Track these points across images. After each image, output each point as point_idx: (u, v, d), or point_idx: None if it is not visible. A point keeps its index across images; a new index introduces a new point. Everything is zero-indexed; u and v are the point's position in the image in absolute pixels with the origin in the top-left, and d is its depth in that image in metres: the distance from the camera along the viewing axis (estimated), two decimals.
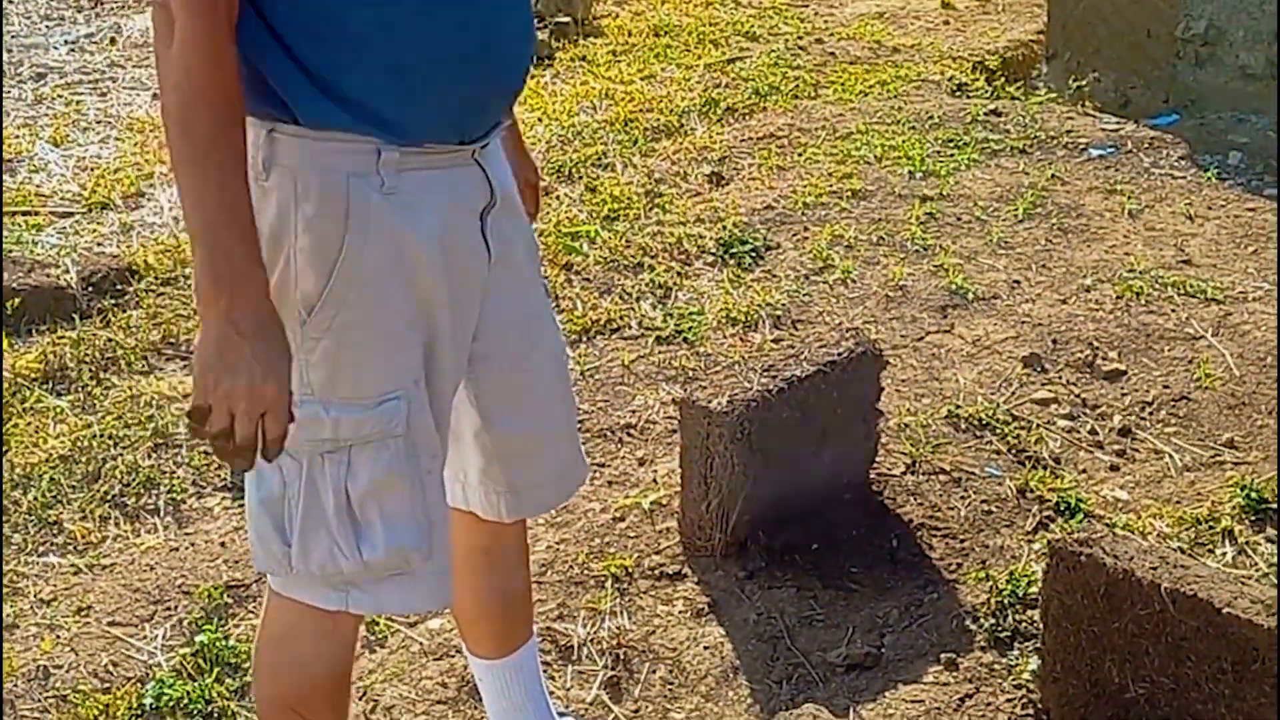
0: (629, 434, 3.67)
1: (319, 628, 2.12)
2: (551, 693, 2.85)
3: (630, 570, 3.21)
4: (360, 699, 2.88)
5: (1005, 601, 3.07)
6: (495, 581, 2.46)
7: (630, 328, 4.14)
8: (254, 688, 2.27)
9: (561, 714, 2.64)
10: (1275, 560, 3.18)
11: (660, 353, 4.00)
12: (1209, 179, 4.87)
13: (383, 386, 2.01)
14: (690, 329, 4.10)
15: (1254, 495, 3.33)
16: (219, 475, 3.53)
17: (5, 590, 3.14)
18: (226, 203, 1.83)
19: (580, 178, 5.07)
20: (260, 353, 1.83)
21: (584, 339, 4.09)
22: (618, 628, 3.05)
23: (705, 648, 3.00)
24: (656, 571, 3.21)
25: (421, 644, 3.02)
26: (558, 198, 4.95)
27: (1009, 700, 2.86)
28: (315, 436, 1.99)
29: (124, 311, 4.22)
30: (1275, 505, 3.33)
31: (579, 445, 2.41)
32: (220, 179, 1.82)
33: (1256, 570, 3.14)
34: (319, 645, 2.14)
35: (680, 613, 3.10)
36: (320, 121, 1.92)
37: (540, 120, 5.63)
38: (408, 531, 2.03)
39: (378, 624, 3.06)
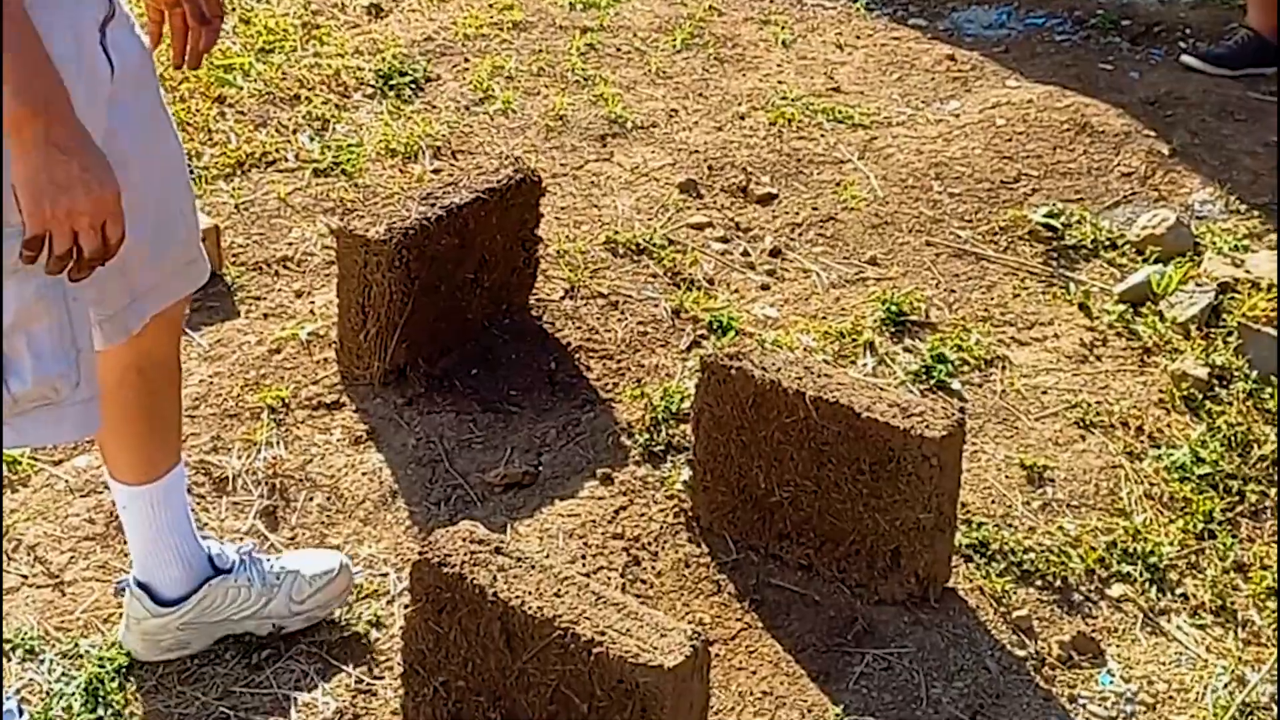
0: (285, 267, 3.61)
1: None
2: (206, 524, 2.82)
3: (287, 401, 3.17)
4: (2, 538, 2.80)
5: (659, 417, 3.15)
6: (145, 401, 2.42)
7: (287, 160, 4.04)
8: None
9: (205, 537, 2.61)
10: (913, 368, 3.33)
11: (318, 185, 3.93)
12: (858, 10, 4.99)
13: None
14: (349, 161, 4.03)
15: (893, 309, 3.48)
16: None
17: None
18: (19, 25, 1.80)
19: (233, 9, 4.88)
20: (90, 164, 1.83)
21: (239, 172, 3.98)
22: (274, 458, 3.02)
23: (363, 474, 3.00)
24: (314, 401, 3.18)
25: (67, 481, 2.94)
26: None
27: (661, 510, 2.95)
28: None
29: None
30: (914, 318, 3.50)
31: (202, 249, 2.38)
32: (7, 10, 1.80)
33: (895, 378, 3.29)
34: None
35: (338, 441, 3.09)
36: None
37: None
38: (55, 360, 1.99)
39: (19, 463, 2.96)
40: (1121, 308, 3.55)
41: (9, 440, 2.04)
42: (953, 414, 2.72)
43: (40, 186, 1.82)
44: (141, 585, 2.54)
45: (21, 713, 2.34)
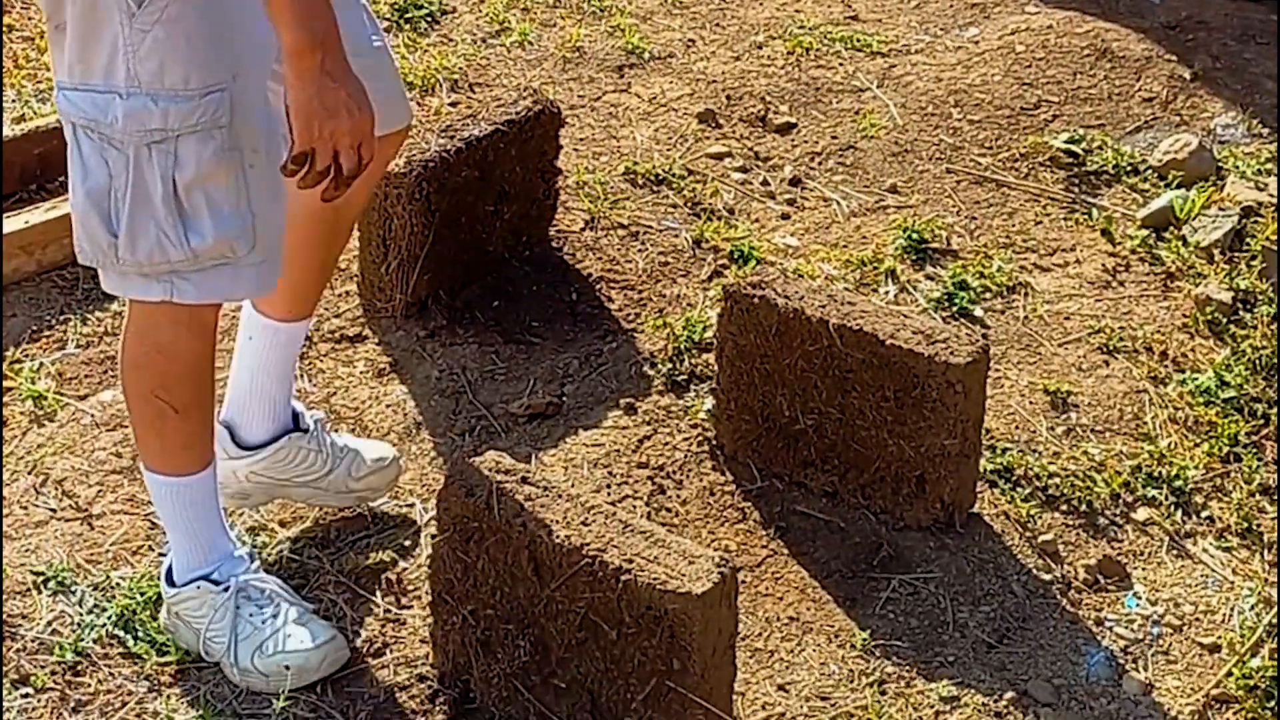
0: None
1: (176, 318, 2.24)
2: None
3: (309, 335, 3.17)
4: (29, 473, 2.81)
5: (682, 347, 3.15)
6: (325, 240, 2.54)
7: None
8: (121, 380, 2.38)
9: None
10: (935, 295, 3.33)
11: None
12: None
13: (207, 79, 2.11)
14: None
15: (914, 236, 3.47)
16: None
17: None
18: None
19: None
20: (353, 92, 2.07)
21: None
22: (298, 390, 3.01)
23: (387, 406, 3.01)
24: (336, 334, 3.19)
25: (93, 416, 2.95)
26: None
27: (685, 439, 2.96)
28: (144, 127, 2.10)
29: None
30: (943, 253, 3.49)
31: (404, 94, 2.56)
32: None
33: (917, 306, 3.28)
34: (175, 333, 2.26)
35: (361, 373, 3.10)
36: None
37: None
38: (233, 221, 2.15)
39: (45, 398, 2.97)
40: (1144, 233, 3.54)
41: (187, 295, 2.19)
42: (977, 340, 2.72)
43: (312, 110, 2.05)
44: (226, 426, 2.63)
45: None
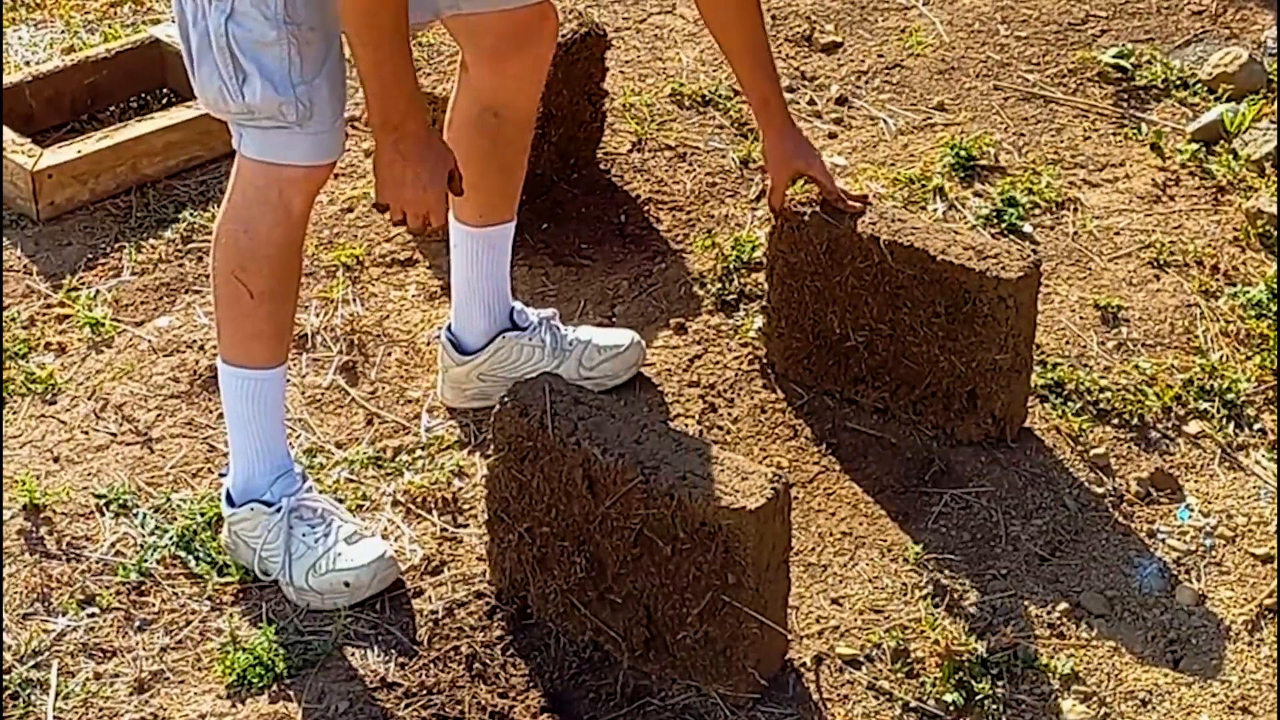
0: (354, 126, 3.60)
1: (265, 199, 2.36)
2: (288, 380, 2.86)
3: (361, 259, 3.20)
4: (89, 398, 2.85)
5: (731, 267, 3.16)
6: (493, 147, 2.66)
7: None
8: (211, 258, 2.46)
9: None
10: (983, 212, 3.32)
11: None
12: None
13: None
14: None
15: (962, 154, 3.46)
16: None
17: None
18: (392, 70, 2.25)
19: None
20: (422, 172, 2.30)
21: None
22: (351, 315, 3.05)
23: (439, 329, 3.02)
24: (388, 259, 3.21)
25: (150, 341, 2.99)
26: None
27: (736, 358, 2.97)
28: None
29: None
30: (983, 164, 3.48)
31: None
32: (387, 59, 2.24)
33: (965, 223, 3.27)
34: (263, 213, 2.37)
35: (413, 297, 3.12)
36: None
37: None
38: (281, 88, 2.27)
39: (102, 325, 3.01)
40: (1194, 147, 3.51)
41: (249, 149, 2.35)
42: (1028, 255, 2.71)
43: (382, 176, 2.32)
44: (452, 334, 2.80)
45: None
